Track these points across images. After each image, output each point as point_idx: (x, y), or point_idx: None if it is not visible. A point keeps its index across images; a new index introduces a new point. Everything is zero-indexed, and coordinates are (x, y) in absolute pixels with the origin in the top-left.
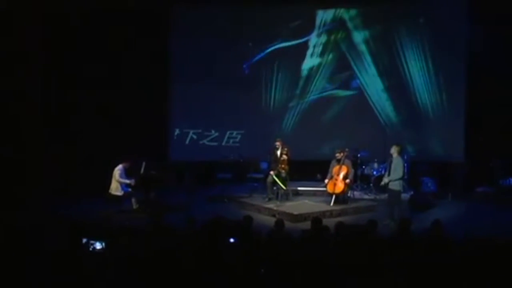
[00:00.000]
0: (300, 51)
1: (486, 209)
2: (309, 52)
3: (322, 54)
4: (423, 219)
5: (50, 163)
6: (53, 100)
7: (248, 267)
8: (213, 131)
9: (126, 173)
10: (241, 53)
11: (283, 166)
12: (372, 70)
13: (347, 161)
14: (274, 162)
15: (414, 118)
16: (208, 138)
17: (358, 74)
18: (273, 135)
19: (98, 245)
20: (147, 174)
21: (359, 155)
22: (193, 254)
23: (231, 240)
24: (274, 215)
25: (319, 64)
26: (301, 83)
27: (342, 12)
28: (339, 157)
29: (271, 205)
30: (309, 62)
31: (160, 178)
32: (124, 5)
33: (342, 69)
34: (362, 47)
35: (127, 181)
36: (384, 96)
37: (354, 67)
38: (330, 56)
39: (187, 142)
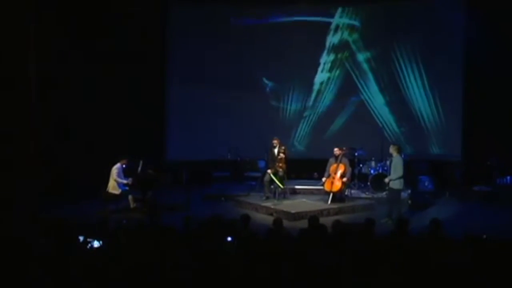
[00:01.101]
0: (313, 66)
1: (483, 208)
2: (320, 68)
3: (330, 70)
4: (421, 218)
5: (43, 162)
6: (49, 100)
7: (246, 266)
8: (209, 130)
9: (124, 172)
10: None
11: (280, 164)
12: (374, 86)
13: (345, 160)
14: (271, 160)
15: (413, 121)
16: (204, 137)
17: (362, 90)
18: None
19: (95, 244)
20: (144, 173)
21: (356, 154)
22: (190, 253)
23: (228, 239)
24: (271, 214)
25: (328, 79)
26: (313, 95)
27: (346, 36)
28: (337, 154)
29: (268, 204)
30: (320, 77)
31: (157, 177)
32: (121, 6)
33: (347, 85)
34: (365, 66)
35: (124, 181)
36: (386, 109)
37: (358, 83)
38: (338, 72)
39: (183, 141)
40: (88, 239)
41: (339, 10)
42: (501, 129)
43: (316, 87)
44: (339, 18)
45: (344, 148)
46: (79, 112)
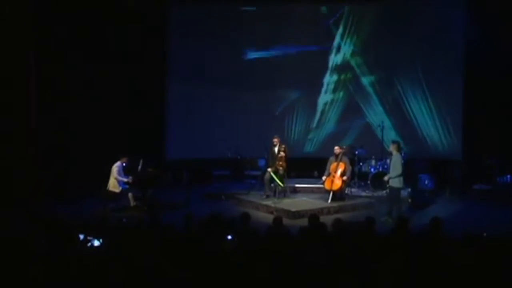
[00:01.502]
0: (317, 88)
1: (483, 207)
2: (323, 89)
3: (334, 91)
4: (421, 216)
5: (42, 161)
6: (49, 99)
7: (246, 264)
8: (209, 129)
9: (124, 171)
10: (237, 53)
11: (280, 163)
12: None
13: (345, 158)
14: (271, 159)
15: (412, 120)
16: (205, 136)
17: (366, 112)
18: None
19: (96, 242)
20: (144, 171)
21: (356, 152)
22: (190, 252)
23: (229, 237)
24: (271, 212)
25: (332, 100)
26: (317, 116)
27: (349, 58)
28: (337, 152)
29: (268, 202)
30: (324, 98)
31: (157, 175)
32: (122, 5)
33: (351, 108)
34: (369, 89)
35: (125, 179)
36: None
37: (362, 106)
38: (341, 94)
39: (184, 140)
40: (88, 238)
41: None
42: (501, 127)
43: (320, 107)
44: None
45: (344, 147)
46: (79, 110)
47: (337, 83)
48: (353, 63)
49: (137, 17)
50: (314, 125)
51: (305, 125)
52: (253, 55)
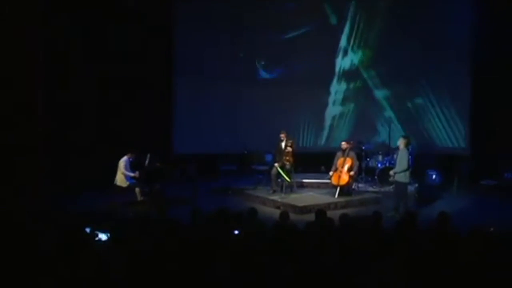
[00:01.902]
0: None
1: (490, 202)
2: (331, 98)
3: (343, 103)
4: (428, 211)
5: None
6: (57, 92)
7: (253, 259)
8: (216, 124)
9: (131, 165)
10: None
11: (287, 158)
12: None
13: (352, 153)
14: (278, 154)
15: (420, 114)
16: (212, 130)
17: (381, 128)
18: None
19: (103, 236)
20: (151, 166)
21: (363, 148)
22: (197, 246)
23: (236, 232)
24: (278, 207)
25: (341, 114)
26: (325, 133)
27: (358, 64)
28: (344, 147)
29: (275, 197)
30: (332, 110)
31: (164, 170)
32: (125, 4)
33: (364, 123)
34: (384, 103)
35: (132, 174)
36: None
37: (376, 121)
38: (352, 106)
39: (191, 134)
40: (96, 232)
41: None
42: (509, 122)
43: (327, 122)
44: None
45: (351, 142)
46: (86, 105)
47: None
48: (360, 61)
49: (142, 14)
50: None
51: (313, 120)
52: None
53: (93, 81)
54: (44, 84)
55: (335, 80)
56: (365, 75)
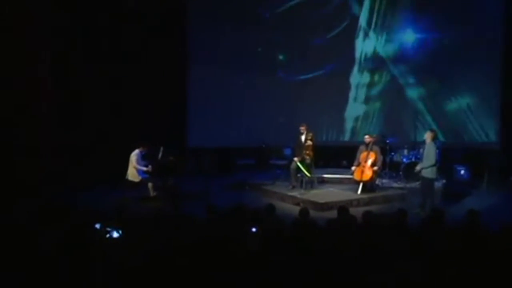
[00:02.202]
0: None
1: None
2: (351, 94)
3: (367, 101)
4: (457, 209)
5: (59, 149)
6: (68, 83)
7: (271, 257)
8: (233, 116)
9: (143, 159)
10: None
11: (307, 152)
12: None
13: (376, 147)
14: (298, 148)
15: (450, 107)
16: (228, 123)
17: (407, 121)
18: None
19: (115, 234)
20: (165, 160)
21: (388, 141)
22: (213, 244)
23: (253, 229)
24: (298, 204)
25: (366, 115)
26: (347, 126)
27: (384, 56)
28: (368, 141)
29: (295, 193)
30: (353, 108)
31: (178, 164)
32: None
33: (389, 116)
34: (420, 105)
35: (144, 168)
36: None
37: (402, 114)
38: (377, 105)
39: (206, 127)
40: (107, 229)
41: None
42: None
43: (348, 124)
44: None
45: (375, 135)
46: (98, 97)
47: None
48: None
49: (156, 4)
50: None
51: (334, 112)
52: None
53: (106, 73)
54: (53, 72)
55: (355, 70)
56: (391, 67)
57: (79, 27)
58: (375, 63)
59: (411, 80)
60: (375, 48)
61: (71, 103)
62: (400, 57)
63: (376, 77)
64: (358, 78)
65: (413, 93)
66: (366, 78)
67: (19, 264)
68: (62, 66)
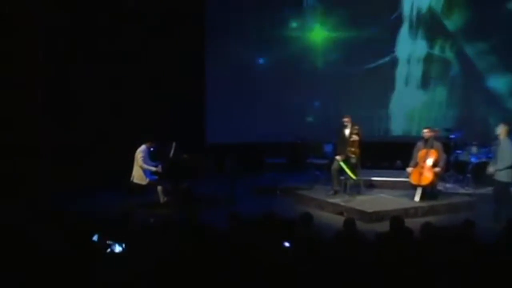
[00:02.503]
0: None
1: None
2: (399, 72)
3: (424, 85)
4: None
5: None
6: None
7: (307, 279)
8: (260, 106)
9: (152, 157)
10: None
11: (353, 149)
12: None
13: (437, 144)
14: (341, 144)
15: None
16: (254, 114)
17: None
18: None
19: (117, 248)
20: (178, 158)
21: (452, 137)
22: (236, 260)
23: (285, 244)
24: (341, 213)
25: (424, 103)
26: (401, 128)
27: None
28: (427, 136)
29: (337, 200)
30: (407, 93)
31: (194, 163)
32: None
33: (454, 102)
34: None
35: (152, 168)
36: None
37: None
38: (439, 90)
39: (228, 119)
40: (108, 242)
41: None
42: None
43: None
44: None
45: (436, 129)
46: (101, 87)
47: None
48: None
49: None
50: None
51: (384, 100)
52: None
53: (115, 61)
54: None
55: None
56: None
57: (81, 24)
58: (435, 28)
59: (491, 62)
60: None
61: (70, 100)
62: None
63: (437, 47)
64: (409, 47)
65: (495, 82)
66: (421, 48)
67: None
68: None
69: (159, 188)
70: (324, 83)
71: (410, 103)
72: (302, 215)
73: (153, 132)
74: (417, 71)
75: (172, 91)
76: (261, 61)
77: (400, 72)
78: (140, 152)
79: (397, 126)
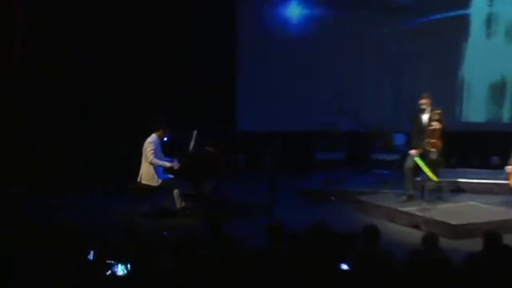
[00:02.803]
0: None
1: None
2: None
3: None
4: None
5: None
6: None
7: None
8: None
9: (164, 150)
10: None
11: (433, 141)
12: None
13: None
14: (417, 134)
15: None
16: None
17: None
18: None
19: (120, 269)
20: (199, 151)
21: None
22: (276, 284)
23: (343, 266)
24: (417, 226)
25: None
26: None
27: None
28: None
29: (412, 209)
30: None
31: (221, 158)
32: None
33: None
34: None
35: (166, 164)
36: None
37: None
38: None
39: (264, 101)
40: (108, 262)
41: None
42: None
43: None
44: None
45: None
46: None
47: None
48: None
49: None
50: None
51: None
52: None
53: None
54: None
55: None
56: None
57: None
58: None
59: None
60: None
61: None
62: None
63: None
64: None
65: None
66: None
67: None
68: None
69: (176, 191)
70: (395, 53)
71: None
72: (364, 228)
73: (166, 118)
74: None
75: (191, 65)
76: (312, 24)
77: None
78: (150, 143)
79: (491, 111)
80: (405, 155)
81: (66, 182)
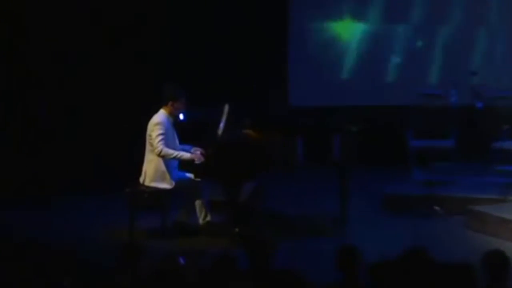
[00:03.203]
0: None
1: None
2: None
3: None
4: None
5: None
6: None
7: None
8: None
9: (180, 134)
10: None
11: None
12: None
13: None
14: None
15: None
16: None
17: None
18: None
19: None
20: (234, 135)
21: None
22: None
23: None
24: None
25: None
26: None
27: None
28: None
29: None
30: None
31: (265, 146)
32: None
33: None
34: None
35: (184, 155)
36: None
37: None
38: None
39: (326, 68)
40: None
41: None
42: None
43: None
44: None
45: None
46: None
47: None
48: None
49: None
50: None
51: None
52: None
53: None
54: None
55: None
56: None
57: None
58: None
59: None
60: None
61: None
62: None
63: None
64: None
65: None
66: None
67: None
68: None
69: (198, 202)
70: None
71: None
72: (486, 255)
73: (176, 84)
74: None
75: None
76: None
77: None
78: (156, 125)
79: None
80: None
81: (43, 188)
